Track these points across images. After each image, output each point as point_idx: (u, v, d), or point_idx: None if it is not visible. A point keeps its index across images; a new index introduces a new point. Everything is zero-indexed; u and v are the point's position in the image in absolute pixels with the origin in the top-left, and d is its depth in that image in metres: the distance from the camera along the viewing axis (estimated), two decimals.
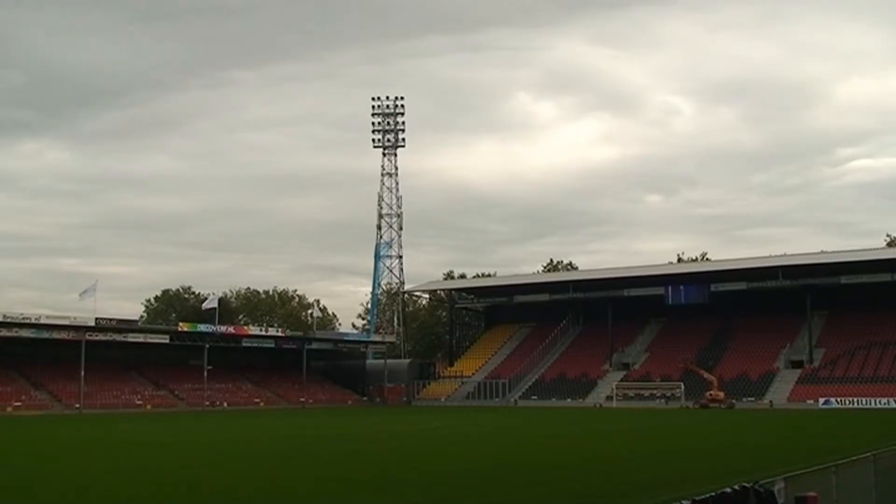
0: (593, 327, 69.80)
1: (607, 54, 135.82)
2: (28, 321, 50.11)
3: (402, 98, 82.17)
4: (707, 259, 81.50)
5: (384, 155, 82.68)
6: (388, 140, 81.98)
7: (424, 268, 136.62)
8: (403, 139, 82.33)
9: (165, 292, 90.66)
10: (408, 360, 73.92)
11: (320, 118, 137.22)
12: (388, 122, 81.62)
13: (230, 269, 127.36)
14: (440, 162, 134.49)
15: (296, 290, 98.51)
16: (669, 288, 63.54)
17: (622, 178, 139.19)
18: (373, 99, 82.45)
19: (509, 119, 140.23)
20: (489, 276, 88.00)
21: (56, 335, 51.73)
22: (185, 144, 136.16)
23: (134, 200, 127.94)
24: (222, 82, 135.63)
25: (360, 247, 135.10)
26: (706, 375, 57.12)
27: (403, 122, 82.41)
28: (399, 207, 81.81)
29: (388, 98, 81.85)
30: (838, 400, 51.66)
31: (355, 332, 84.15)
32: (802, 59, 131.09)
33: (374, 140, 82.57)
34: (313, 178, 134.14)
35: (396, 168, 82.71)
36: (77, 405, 50.50)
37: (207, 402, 56.99)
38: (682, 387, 56.87)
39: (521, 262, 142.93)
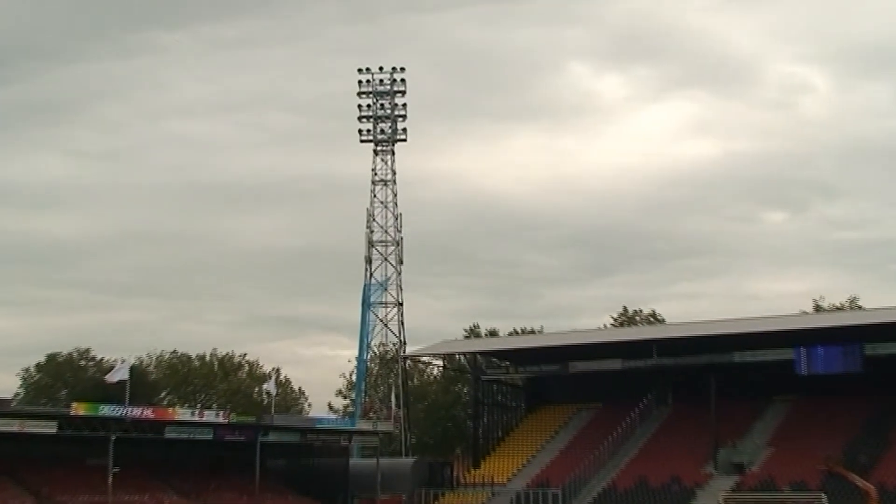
0: (689, 409, 70.13)
1: (702, 4, 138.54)
2: None
3: (401, 70, 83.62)
4: (858, 307, 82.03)
5: (376, 153, 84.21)
6: (382, 131, 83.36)
7: (435, 320, 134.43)
8: (404, 130, 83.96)
9: (52, 357, 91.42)
10: (412, 460, 74.33)
11: (283, 100, 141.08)
12: (383, 106, 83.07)
13: (149, 323, 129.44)
14: (457, 163, 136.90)
15: (245, 355, 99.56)
16: (802, 351, 63.63)
17: (727, 185, 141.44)
18: (360, 72, 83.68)
19: (557, 101, 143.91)
20: (531, 332, 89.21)
21: None
22: (86, 139, 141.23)
23: (7, 220, 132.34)
24: (140, 48, 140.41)
25: (340, 289, 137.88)
26: (860, 483, 56.78)
27: (404, 106, 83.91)
28: (398, 231, 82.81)
29: (381, 70, 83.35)
30: None
31: (333, 417, 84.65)
32: None
33: (361, 132, 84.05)
34: (272, 186, 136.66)
35: (394, 172, 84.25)
36: None
37: None
38: (825, 500, 56.50)
39: (577, 311, 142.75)
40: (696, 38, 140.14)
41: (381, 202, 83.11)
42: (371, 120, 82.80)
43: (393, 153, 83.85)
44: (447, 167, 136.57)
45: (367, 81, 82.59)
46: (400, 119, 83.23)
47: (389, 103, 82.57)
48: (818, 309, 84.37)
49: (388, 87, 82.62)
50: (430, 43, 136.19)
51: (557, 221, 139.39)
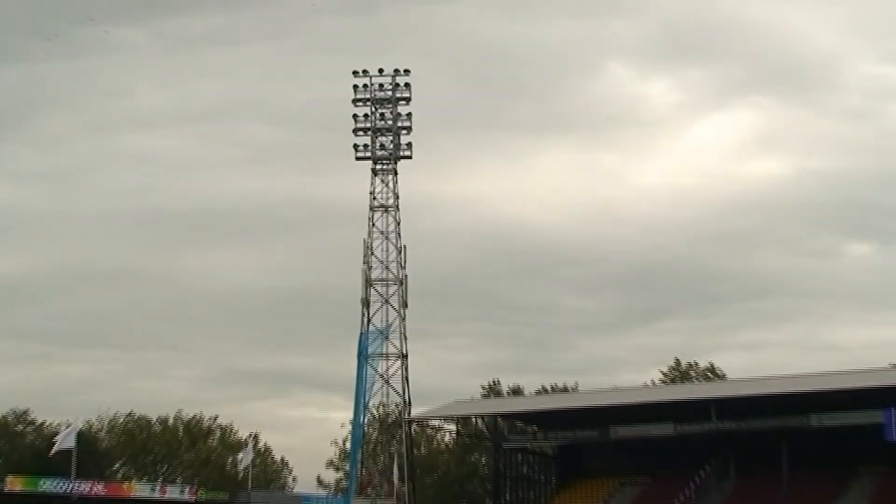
0: (756, 484, 69.19)
1: None
2: None
3: (405, 73, 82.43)
4: None
5: (375, 173, 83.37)
6: (383, 147, 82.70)
7: (447, 376, 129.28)
8: (409, 145, 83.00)
9: None
10: None
11: (262, 108, 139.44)
12: (383, 116, 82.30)
13: (99, 379, 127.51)
14: (473, 185, 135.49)
15: (216, 418, 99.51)
16: (894, 413, 62.62)
17: (800, 212, 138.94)
18: (355, 74, 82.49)
19: (595, 110, 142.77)
20: (564, 391, 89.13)
21: None
22: (22, 156, 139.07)
23: None
24: (87, 46, 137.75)
25: (331, 338, 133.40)
26: None
27: (409, 116, 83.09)
28: (401, 267, 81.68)
29: (381, 73, 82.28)
30: None
31: (322, 494, 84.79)
32: None
33: (357, 147, 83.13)
34: (249, 214, 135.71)
35: (396, 196, 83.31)
36: None
37: None
38: None
39: (620, 364, 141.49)
40: (762, 34, 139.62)
41: (382, 232, 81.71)
42: (369, 133, 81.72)
43: (395, 173, 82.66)
44: (461, 190, 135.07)
45: (364, 86, 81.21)
46: (404, 132, 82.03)
47: (391, 113, 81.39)
48: None
49: (390, 94, 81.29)
50: (441, 39, 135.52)
51: (596, 256, 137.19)
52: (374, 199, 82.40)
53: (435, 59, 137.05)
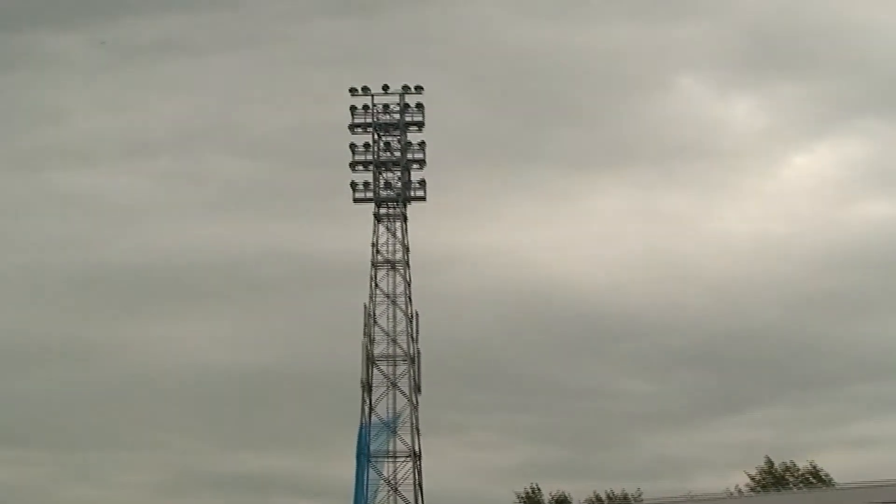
0: None
1: None
2: None
3: (417, 90, 75.06)
4: None
5: (379, 219, 75.45)
6: (388, 185, 75.64)
7: (471, 479, 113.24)
8: (421, 183, 75.68)
9: None
10: None
11: (233, 136, 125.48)
12: (388, 146, 75.26)
13: (24, 486, 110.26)
14: (503, 234, 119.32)
15: None
16: None
17: None
18: (353, 93, 75.38)
19: (659, 137, 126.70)
20: (624, 500, 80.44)
21: None
22: None
23: None
24: (9, 57, 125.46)
25: (322, 432, 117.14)
26: None
27: (422, 147, 75.49)
28: (412, 340, 73.59)
29: (386, 91, 75.28)
30: None
31: None
32: None
33: (355, 186, 75.82)
34: (216, 271, 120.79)
35: (406, 248, 75.20)
36: None
37: None
38: None
39: (693, 465, 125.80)
40: (875, 41, 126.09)
41: (387, 295, 73.33)
42: (370, 168, 74.20)
43: (404, 219, 74.48)
44: (488, 240, 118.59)
45: (365, 108, 73.90)
46: (415, 166, 74.54)
47: (399, 142, 74.00)
48: None
49: (397, 117, 74.22)
50: (461, 48, 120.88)
51: (660, 326, 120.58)
52: (378, 252, 74.42)
53: (454, 73, 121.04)
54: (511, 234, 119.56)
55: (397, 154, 73.96)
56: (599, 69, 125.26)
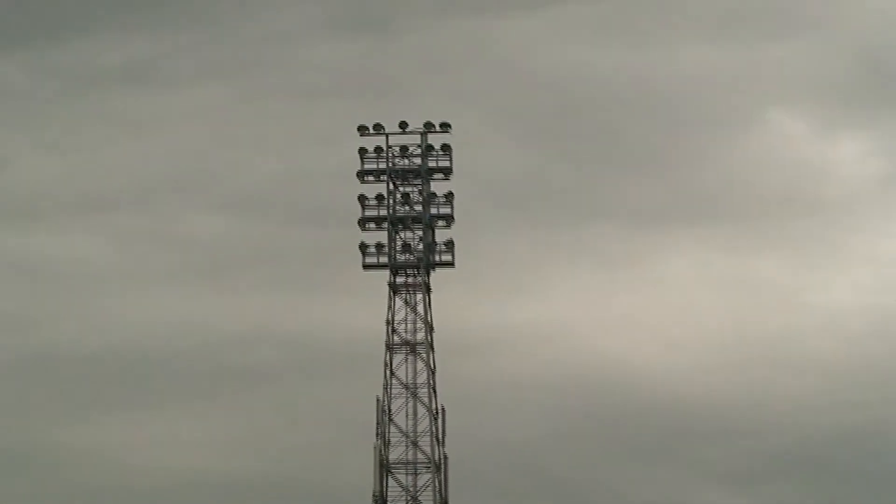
0: None
1: None
2: None
3: (444, 128, 66.43)
4: None
5: (395, 290, 66.50)
6: (408, 247, 66.28)
7: None
8: (449, 245, 66.40)
9: None
10: None
11: (206, 187, 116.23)
12: (407, 199, 66.23)
13: None
14: (550, 308, 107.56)
15: None
16: None
17: None
18: (363, 132, 66.88)
19: (746, 185, 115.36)
20: None
21: None
22: None
23: None
24: None
25: None
26: None
27: (449, 199, 66.72)
28: (438, 441, 64.54)
29: (405, 129, 66.39)
30: None
31: None
32: None
33: (366, 249, 66.65)
34: (188, 357, 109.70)
35: (430, 328, 65.95)
36: None
37: None
38: None
39: None
40: None
41: (405, 386, 64.40)
42: (385, 225, 65.26)
43: (427, 289, 65.16)
44: (531, 317, 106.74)
45: (378, 151, 64.97)
46: (441, 224, 65.59)
47: (421, 192, 65.31)
48: None
49: (419, 163, 65.58)
50: (498, 76, 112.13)
51: (751, 422, 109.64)
52: (394, 331, 65.26)
53: (488, 107, 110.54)
54: (561, 309, 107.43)
55: (418, 208, 64.14)
56: (669, 101, 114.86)
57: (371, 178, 64.17)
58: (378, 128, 63.70)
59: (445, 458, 62.68)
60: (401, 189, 64.35)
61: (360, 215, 63.89)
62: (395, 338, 63.71)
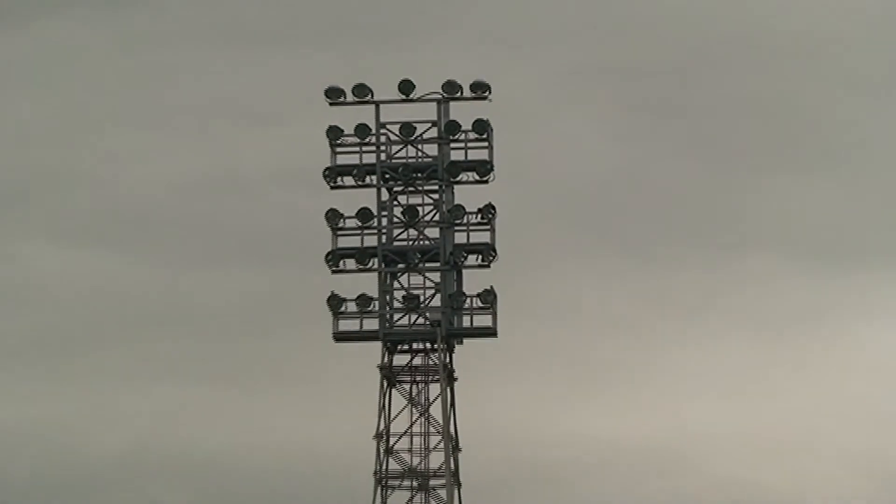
0: None
1: None
2: None
3: (480, 92, 47.29)
4: None
5: (392, 383, 48.57)
6: (410, 300, 49.04)
7: None
8: (488, 301, 47.45)
9: None
10: None
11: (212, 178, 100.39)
12: (417, 218, 48.38)
13: None
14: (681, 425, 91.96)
15: None
16: None
17: None
18: (333, 98, 49.08)
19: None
20: None
21: None
22: None
23: None
24: None
25: None
26: None
27: (487, 216, 47.34)
28: None
29: (408, 95, 48.00)
30: None
31: None
32: None
33: (338, 309, 48.01)
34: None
35: (455, 444, 47.80)
36: None
37: None
38: None
39: None
40: None
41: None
42: (372, 263, 45.96)
43: (451, 378, 45.25)
44: (653, 431, 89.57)
45: (362, 133, 44.82)
46: (472, 259, 45.86)
47: (438, 207, 45.37)
48: None
49: (434, 153, 45.62)
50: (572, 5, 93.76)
51: None
52: (390, 452, 45.48)
53: (552, 60, 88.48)
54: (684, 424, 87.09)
55: (433, 234, 43.26)
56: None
57: (349, 179, 42.24)
58: (362, 91, 42.14)
59: None
60: (401, 200, 42.77)
61: (329, 246, 42.03)
62: (391, 462, 42.79)
